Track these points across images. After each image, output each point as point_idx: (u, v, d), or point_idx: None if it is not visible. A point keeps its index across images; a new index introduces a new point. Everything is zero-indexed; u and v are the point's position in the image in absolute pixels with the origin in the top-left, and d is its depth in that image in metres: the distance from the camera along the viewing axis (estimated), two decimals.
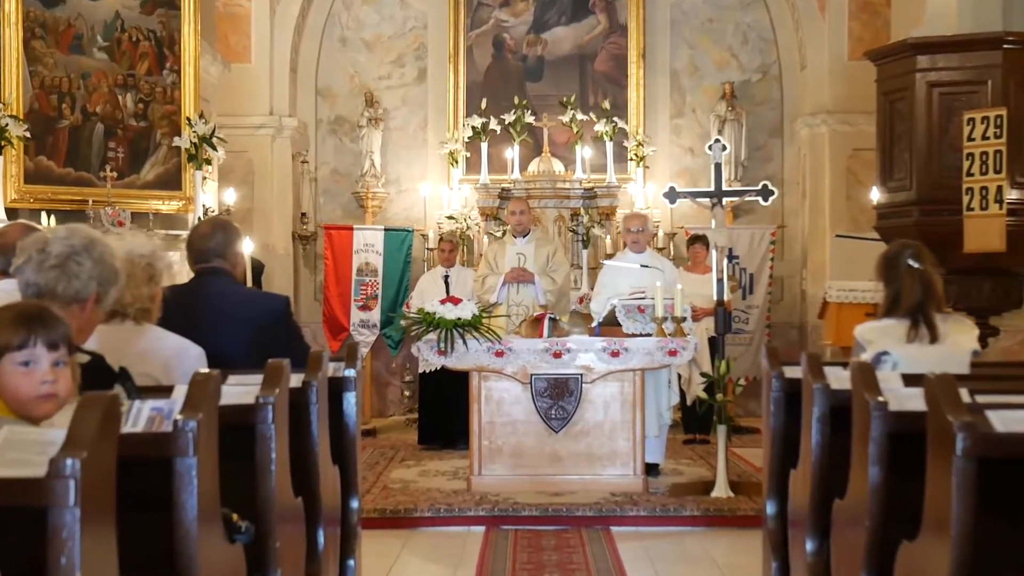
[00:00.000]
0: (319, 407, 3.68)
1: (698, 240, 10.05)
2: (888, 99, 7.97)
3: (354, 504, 4.23)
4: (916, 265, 4.15)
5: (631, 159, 12.03)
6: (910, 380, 3.52)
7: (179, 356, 3.33)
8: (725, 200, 7.47)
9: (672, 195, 7.56)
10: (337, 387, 4.18)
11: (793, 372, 4.21)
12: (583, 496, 7.18)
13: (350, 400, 4.21)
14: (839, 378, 3.68)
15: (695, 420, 9.81)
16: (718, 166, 7.38)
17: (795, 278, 12.29)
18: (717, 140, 7.48)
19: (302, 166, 12.13)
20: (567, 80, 12.27)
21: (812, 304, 11.93)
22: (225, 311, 3.94)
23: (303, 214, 12.09)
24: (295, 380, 3.67)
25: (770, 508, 4.22)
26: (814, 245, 11.95)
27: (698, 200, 7.67)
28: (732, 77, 12.22)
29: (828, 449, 3.56)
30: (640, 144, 11.98)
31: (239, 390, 3.22)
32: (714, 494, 7.19)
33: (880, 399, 3.06)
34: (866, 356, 3.92)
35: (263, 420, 3.05)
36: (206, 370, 3.22)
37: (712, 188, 7.45)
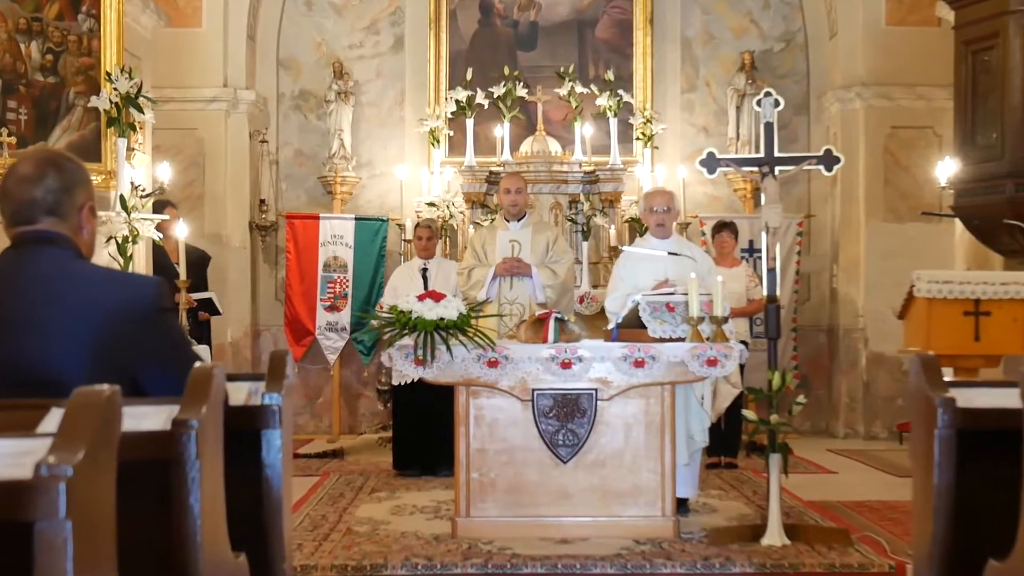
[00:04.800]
0: (205, 466, 2.14)
1: (724, 228, 8.57)
2: (970, 49, 6.52)
3: None
4: None
5: (637, 138, 10.59)
6: None
7: None
8: (777, 170, 5.95)
9: (711, 163, 6.03)
10: (249, 423, 2.65)
11: (968, 398, 2.70)
12: (599, 544, 5.64)
13: (272, 443, 2.67)
14: None
15: (720, 440, 8.28)
16: (769, 126, 5.87)
17: (824, 274, 10.83)
18: (768, 93, 5.96)
19: (261, 146, 10.73)
20: (564, 49, 10.84)
21: (844, 304, 10.50)
22: (56, 303, 2.38)
23: (262, 201, 10.67)
24: (161, 419, 2.14)
25: None
26: (847, 237, 10.49)
27: (744, 169, 6.15)
28: (751, 46, 10.77)
29: None
30: (647, 121, 10.51)
31: (24, 448, 1.67)
32: (766, 542, 5.65)
33: None
34: None
35: (48, 513, 1.50)
36: None
37: (763, 154, 5.93)
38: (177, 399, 2.19)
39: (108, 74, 6.86)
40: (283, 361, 2.77)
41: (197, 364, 2.31)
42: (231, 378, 2.84)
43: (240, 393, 2.75)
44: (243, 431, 2.68)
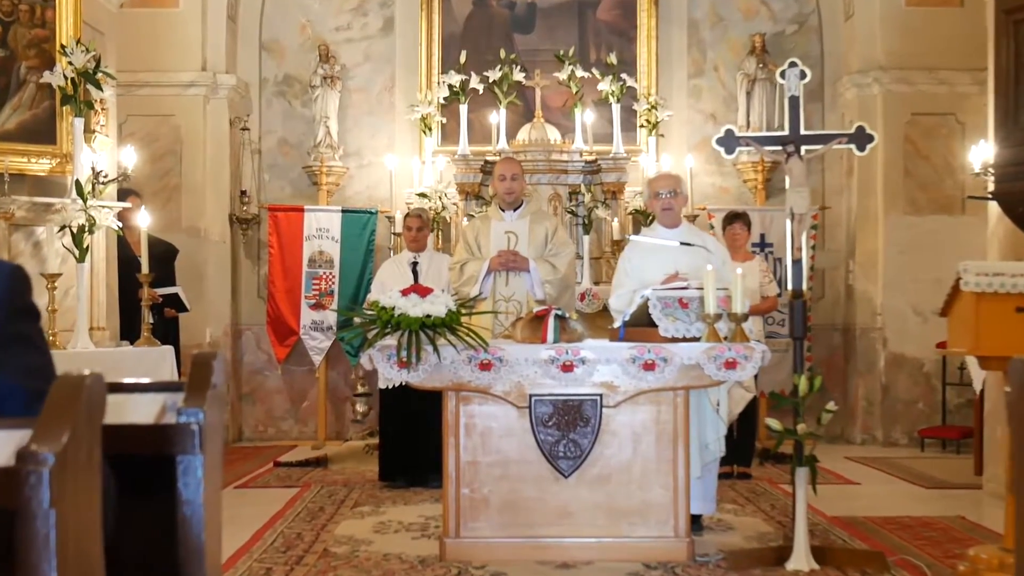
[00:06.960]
0: (66, 515, 1.53)
1: (737, 219, 7.95)
2: (1011, 18, 5.92)
3: None
4: None
5: (641, 126, 9.99)
6: None
7: None
8: (804, 150, 5.34)
9: (729, 142, 5.42)
10: (161, 447, 2.03)
11: None
12: (604, 569, 5.04)
13: (191, 472, 2.06)
14: None
15: (732, 448, 7.65)
16: (794, 100, 5.27)
17: (839, 270, 10.23)
18: (793, 64, 5.37)
19: (242, 134, 10.13)
20: (563, 31, 10.26)
21: (861, 302, 9.90)
22: None
23: (243, 192, 10.08)
24: (6, 452, 1.52)
25: None
26: (864, 231, 9.89)
27: (766, 148, 5.54)
28: (762, 28, 10.18)
29: None
30: (652, 108, 9.91)
31: None
32: (791, 566, 5.04)
33: None
34: None
35: None
36: None
37: (787, 132, 5.33)
38: (33, 422, 1.58)
39: (63, 47, 6.25)
40: (208, 367, 2.15)
41: (60, 378, 1.69)
42: (143, 388, 2.24)
43: (151, 407, 2.14)
44: (154, 457, 2.07)
